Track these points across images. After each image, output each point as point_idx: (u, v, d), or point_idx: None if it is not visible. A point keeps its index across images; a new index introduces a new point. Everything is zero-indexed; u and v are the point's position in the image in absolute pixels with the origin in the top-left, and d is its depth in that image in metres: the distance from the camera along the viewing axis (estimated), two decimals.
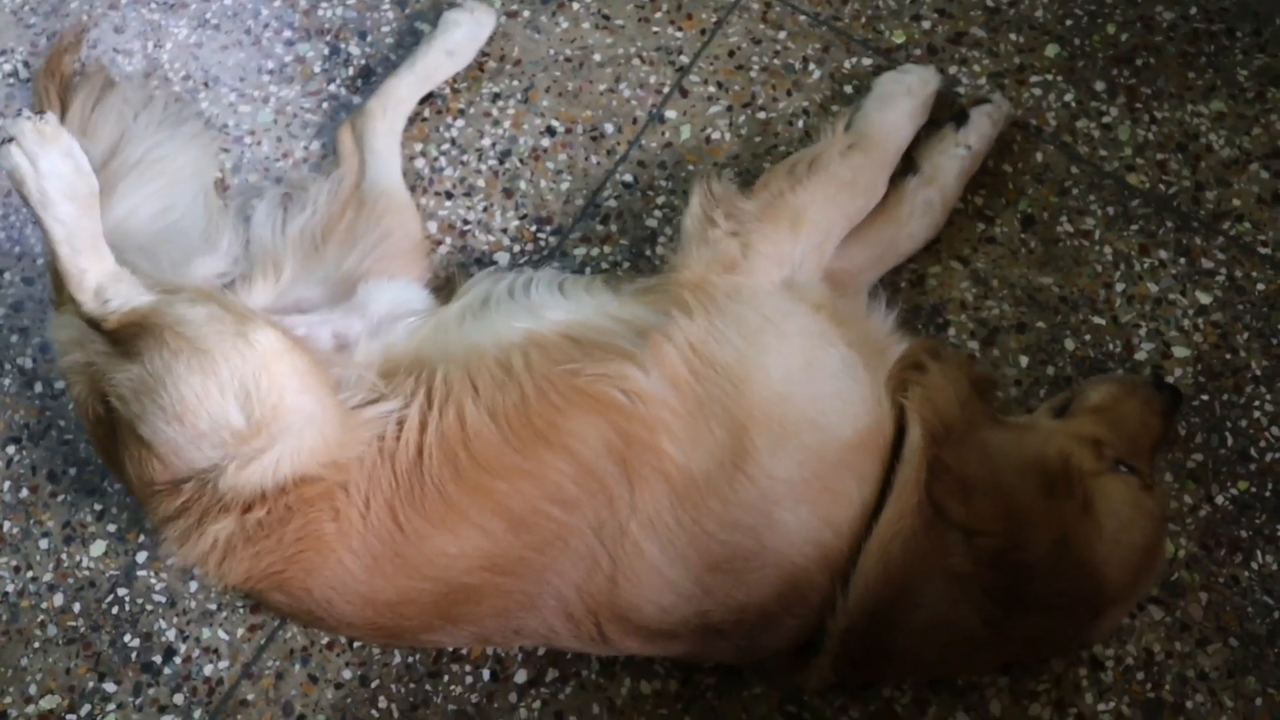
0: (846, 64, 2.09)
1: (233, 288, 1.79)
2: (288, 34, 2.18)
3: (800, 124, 2.05)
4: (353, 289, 1.82)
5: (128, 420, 1.53)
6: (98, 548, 1.89)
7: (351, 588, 1.57)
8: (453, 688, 1.78)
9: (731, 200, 1.72)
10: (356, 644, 1.80)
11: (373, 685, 1.78)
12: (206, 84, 2.15)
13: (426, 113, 2.10)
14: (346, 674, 1.79)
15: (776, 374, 1.57)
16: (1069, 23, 2.11)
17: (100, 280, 1.59)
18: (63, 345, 1.67)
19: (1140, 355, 1.90)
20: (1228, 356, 1.90)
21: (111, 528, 1.89)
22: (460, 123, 2.10)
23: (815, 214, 1.73)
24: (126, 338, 1.55)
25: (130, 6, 2.21)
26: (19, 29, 2.22)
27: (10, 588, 1.86)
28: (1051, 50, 2.09)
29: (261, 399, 1.48)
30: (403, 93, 2.02)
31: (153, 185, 1.90)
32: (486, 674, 1.78)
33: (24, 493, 1.92)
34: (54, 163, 1.57)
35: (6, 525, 1.90)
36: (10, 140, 1.56)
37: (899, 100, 1.89)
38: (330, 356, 1.71)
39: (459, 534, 1.55)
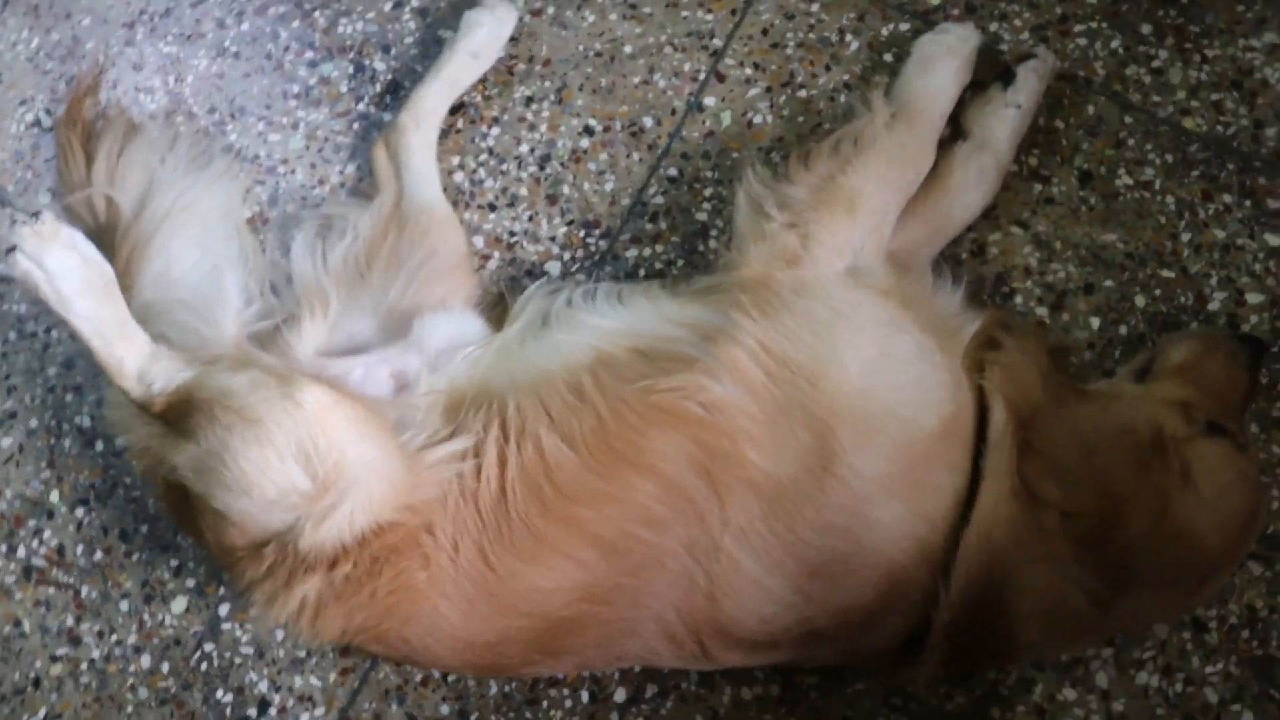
0: (884, 31, 1.97)
1: (281, 331, 1.70)
2: (310, 55, 2.08)
3: (842, 99, 1.93)
4: (407, 323, 1.73)
5: (197, 493, 1.48)
6: (179, 604, 1.83)
7: (448, 633, 1.51)
8: (552, 713, 1.72)
9: (781, 190, 1.63)
10: (451, 678, 1.74)
11: (471, 718, 1.72)
12: (233, 115, 2.05)
13: (460, 124, 1.99)
14: (444, 709, 1.73)
15: (854, 368, 1.49)
16: None
17: (140, 364, 1.54)
18: (119, 424, 1.63)
19: (1213, 305, 1.80)
20: None
21: (190, 583, 1.84)
22: (496, 130, 2.00)
23: (870, 194, 1.64)
24: (177, 417, 1.50)
25: (147, 41, 2.10)
26: (37, 76, 2.13)
27: (96, 654, 1.81)
28: None
29: (322, 458, 1.43)
30: (432, 102, 1.92)
31: (186, 234, 1.81)
32: (585, 696, 1.72)
33: (98, 555, 1.86)
34: (60, 260, 1.52)
35: (85, 590, 1.85)
36: (12, 249, 1.50)
37: (940, 62, 1.79)
38: (391, 398, 1.63)
39: (552, 567, 1.48)
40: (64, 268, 1.51)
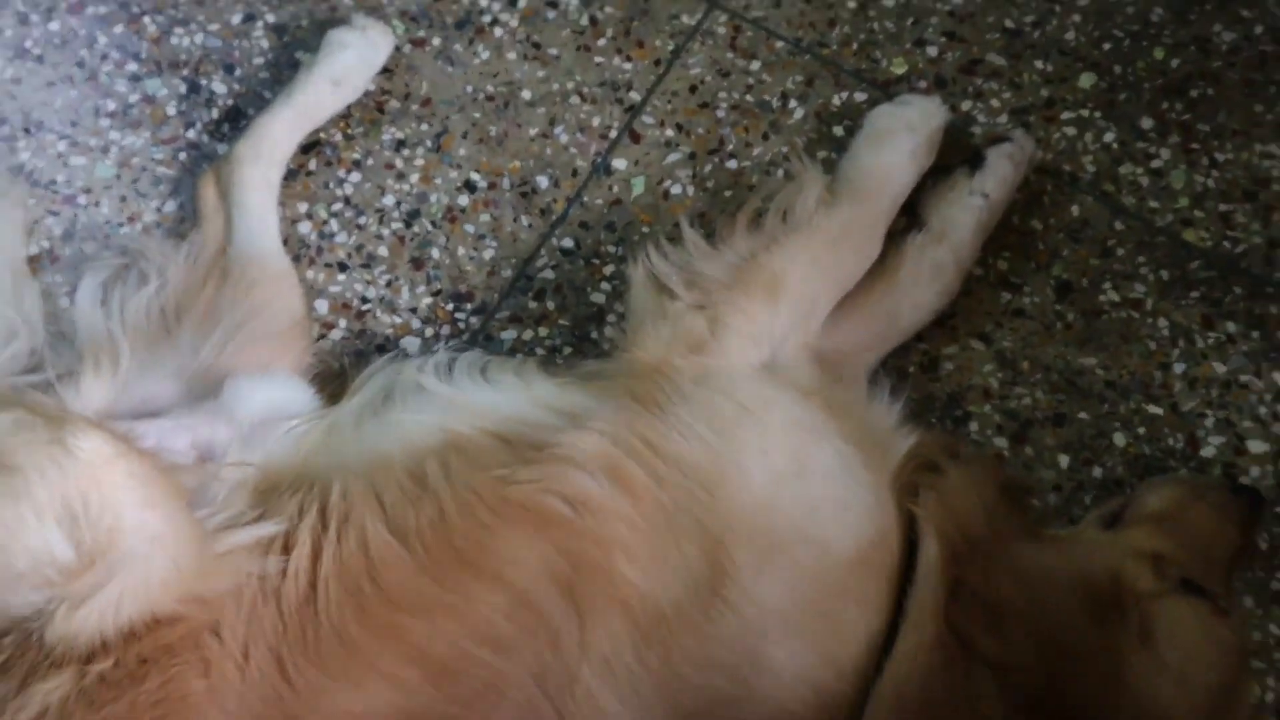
0: (835, 100, 2.28)
1: (54, 388, 1.85)
2: (132, 67, 2.32)
3: (780, 174, 2.22)
4: (217, 385, 1.89)
5: None
6: None
7: None
8: None
9: (691, 265, 1.86)
10: None
11: None
12: (27, 129, 2.28)
13: (313, 164, 2.25)
14: None
15: (759, 476, 1.67)
16: (1107, 46, 2.31)
17: None
18: None
19: (1208, 452, 2.05)
20: None
21: None
22: (356, 176, 2.25)
23: (797, 279, 1.86)
24: None
25: None
26: None
27: None
28: (1087, 80, 2.29)
29: (92, 521, 1.52)
30: (279, 133, 2.16)
31: None
32: None
33: None
34: None
35: None
36: None
37: (897, 138, 2.05)
38: (189, 470, 1.77)
39: (365, 687, 1.58)
40: None
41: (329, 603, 1.61)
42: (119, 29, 2.35)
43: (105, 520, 1.53)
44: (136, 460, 1.60)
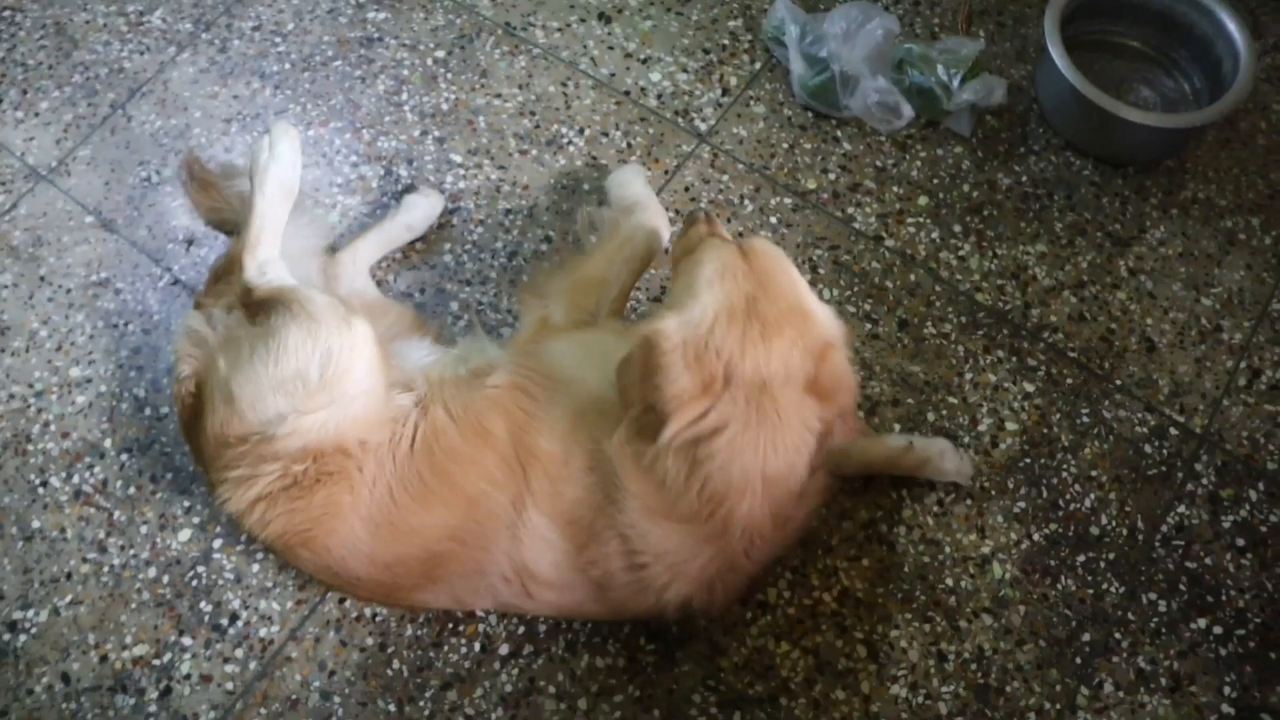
0: (772, 201, 2.35)
1: None
2: (354, 158, 2.40)
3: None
4: (390, 345, 1.94)
5: (224, 378, 1.69)
6: (184, 535, 2.02)
7: (360, 549, 1.71)
8: (450, 655, 1.91)
9: (542, 283, 1.98)
10: (378, 617, 1.94)
11: (389, 650, 1.92)
12: None
13: (455, 221, 2.32)
14: (369, 640, 1.92)
15: (593, 376, 1.75)
16: (935, 181, 2.38)
17: (266, 256, 1.82)
18: (189, 332, 1.84)
19: (982, 427, 2.12)
20: (1045, 431, 2.11)
21: (196, 520, 2.03)
22: (480, 229, 2.33)
23: (608, 275, 1.97)
24: (261, 307, 1.76)
25: (238, 133, 2.43)
26: (154, 147, 2.42)
27: (116, 561, 1.99)
28: (923, 200, 2.36)
29: (337, 365, 1.67)
30: (367, 250, 2.19)
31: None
32: (478, 646, 1.92)
33: (131, 490, 2.05)
34: (290, 152, 1.90)
35: (116, 514, 2.03)
36: (267, 134, 1.90)
37: (636, 180, 2.19)
38: None
39: (433, 510, 1.70)
40: (288, 160, 1.83)
41: (416, 456, 1.73)
42: (347, 136, 2.43)
43: (343, 368, 1.67)
44: (377, 349, 1.75)
